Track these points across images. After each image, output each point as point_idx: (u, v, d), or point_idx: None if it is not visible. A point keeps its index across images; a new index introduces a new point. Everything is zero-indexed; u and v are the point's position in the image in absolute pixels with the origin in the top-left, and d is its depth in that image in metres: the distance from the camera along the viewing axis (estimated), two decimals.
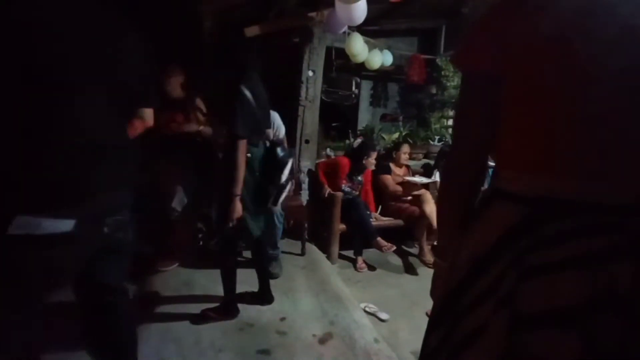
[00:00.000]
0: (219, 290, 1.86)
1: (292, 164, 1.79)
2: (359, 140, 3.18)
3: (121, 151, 1.02)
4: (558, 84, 0.57)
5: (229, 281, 1.79)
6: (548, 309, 0.54)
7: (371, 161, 2.81)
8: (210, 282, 2.11)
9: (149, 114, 1.16)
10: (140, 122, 1.14)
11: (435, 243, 2.68)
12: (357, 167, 2.81)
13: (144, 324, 1.71)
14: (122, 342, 1.14)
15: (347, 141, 3.38)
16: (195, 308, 1.85)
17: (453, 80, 3.49)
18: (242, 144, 1.55)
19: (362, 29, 2.79)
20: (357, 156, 2.83)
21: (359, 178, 2.89)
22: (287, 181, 1.75)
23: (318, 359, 1.58)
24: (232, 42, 1.98)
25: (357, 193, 2.89)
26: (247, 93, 1.56)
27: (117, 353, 1.14)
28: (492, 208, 0.65)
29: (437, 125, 3.64)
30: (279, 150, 1.71)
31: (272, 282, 2.16)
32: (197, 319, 1.78)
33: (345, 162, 2.83)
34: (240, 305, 1.90)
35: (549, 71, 0.58)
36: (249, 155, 1.60)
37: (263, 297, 1.95)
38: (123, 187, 1.04)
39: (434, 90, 3.73)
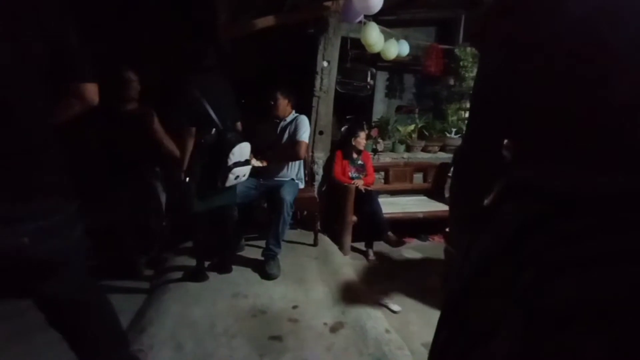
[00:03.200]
0: (234, 278, 1.93)
1: (243, 149, 1.96)
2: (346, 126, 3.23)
3: (37, 148, 0.90)
4: (592, 68, 0.55)
5: (198, 251, 2.11)
6: (575, 307, 0.53)
7: (360, 140, 2.84)
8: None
9: (90, 89, 1.02)
10: (77, 100, 1.02)
11: (447, 230, 2.65)
12: (348, 150, 2.86)
13: (159, 309, 1.79)
14: (95, 338, 1.10)
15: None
16: (210, 296, 1.92)
17: (472, 71, 3.42)
18: (187, 131, 1.90)
19: (378, 18, 2.76)
20: (345, 139, 2.89)
21: (359, 162, 2.91)
22: (235, 164, 1.91)
23: (329, 347, 1.62)
24: (198, 45, 2.09)
25: (363, 177, 2.90)
26: (195, 91, 1.89)
27: (96, 349, 1.10)
28: (507, 200, 0.64)
29: (454, 118, 3.59)
30: (229, 135, 1.93)
31: (284, 270, 2.22)
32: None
33: (338, 151, 2.90)
34: (253, 293, 1.98)
35: (583, 53, 0.55)
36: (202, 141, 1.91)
37: (208, 270, 2.12)
38: (44, 190, 0.93)
39: (451, 82, 3.67)
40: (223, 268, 2.15)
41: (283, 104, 2.46)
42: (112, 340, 1.19)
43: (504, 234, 0.59)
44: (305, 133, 2.42)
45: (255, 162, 2.68)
